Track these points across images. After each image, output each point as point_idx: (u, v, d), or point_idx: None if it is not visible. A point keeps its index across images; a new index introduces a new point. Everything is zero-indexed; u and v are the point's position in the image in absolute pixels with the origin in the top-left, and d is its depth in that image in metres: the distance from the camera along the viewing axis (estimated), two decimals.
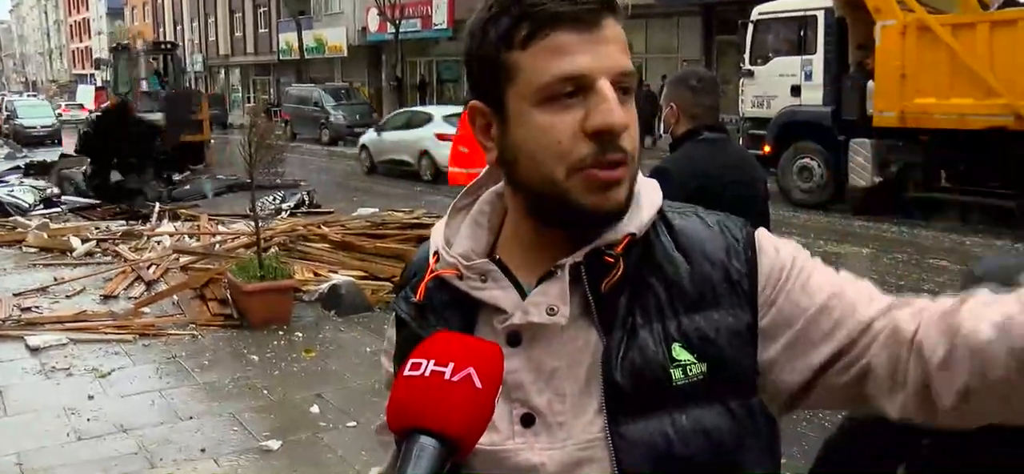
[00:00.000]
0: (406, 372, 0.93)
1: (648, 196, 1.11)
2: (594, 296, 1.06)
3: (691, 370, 1.04)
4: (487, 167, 1.19)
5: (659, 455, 1.02)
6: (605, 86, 1.00)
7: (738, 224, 1.13)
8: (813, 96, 14.15)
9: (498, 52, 1.05)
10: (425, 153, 19.15)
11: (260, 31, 51.21)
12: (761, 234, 1.13)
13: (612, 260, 1.05)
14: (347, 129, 29.87)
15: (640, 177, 1.11)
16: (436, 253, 1.15)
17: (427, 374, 0.92)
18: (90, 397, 6.00)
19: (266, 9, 50.07)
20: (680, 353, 1.04)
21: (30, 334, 7.36)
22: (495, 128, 1.09)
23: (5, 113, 38.97)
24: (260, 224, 8.77)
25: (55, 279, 9.45)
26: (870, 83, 13.05)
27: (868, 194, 13.22)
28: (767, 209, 3.74)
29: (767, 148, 14.27)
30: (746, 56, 15.30)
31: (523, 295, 1.08)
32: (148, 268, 9.45)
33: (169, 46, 28.91)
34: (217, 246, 10.37)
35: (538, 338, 1.05)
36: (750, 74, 15.18)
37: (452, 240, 1.16)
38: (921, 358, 0.98)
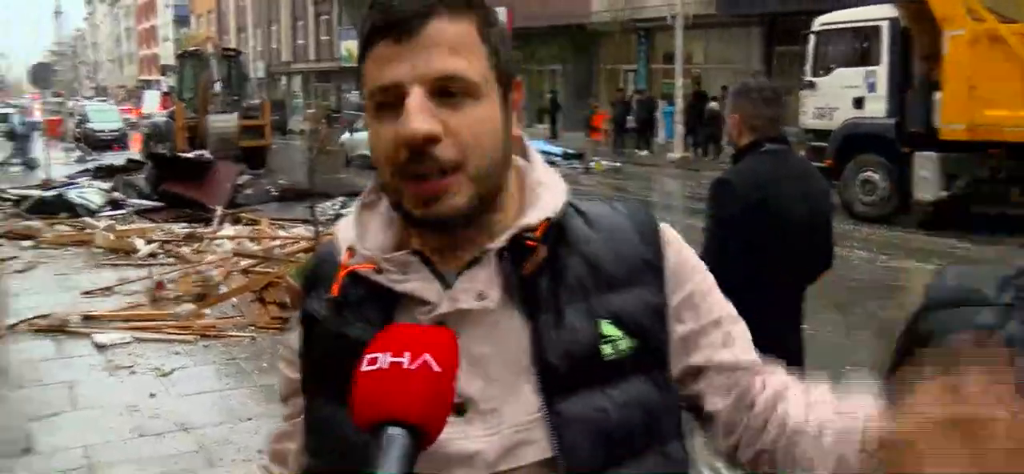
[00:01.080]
0: (364, 368, 0.94)
1: (554, 183, 1.15)
2: (517, 280, 1.08)
3: (620, 345, 1.08)
4: None
5: (597, 428, 1.06)
6: (414, 95, 1.01)
7: (645, 211, 1.19)
8: (876, 108, 13.89)
9: (360, 60, 1.09)
10: None
11: (322, 38, 51.93)
12: (665, 227, 1.19)
13: (534, 244, 1.08)
14: None
15: (541, 169, 1.16)
16: (349, 249, 1.14)
17: (386, 366, 0.93)
18: (152, 395, 6.13)
19: (328, 17, 50.78)
20: (608, 329, 1.08)
21: (97, 331, 7.54)
22: None
23: (77, 117, 40.05)
24: (319, 229, 8.87)
25: (120, 279, 9.67)
26: (936, 94, 12.76)
27: (934, 208, 12.93)
28: (830, 221, 3.67)
29: (829, 161, 14.04)
30: (808, 67, 15.09)
31: (445, 285, 1.09)
32: (211, 270, 9.61)
33: (233, 53, 29.44)
34: (277, 250, 10.51)
35: (465, 326, 1.06)
36: (812, 86, 14.96)
37: (363, 236, 1.16)
38: (747, 422, 1.15)
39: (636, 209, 1.19)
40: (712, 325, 1.16)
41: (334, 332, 1.13)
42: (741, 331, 1.20)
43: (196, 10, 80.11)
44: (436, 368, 0.93)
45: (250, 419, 5.69)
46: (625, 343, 1.08)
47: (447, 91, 1.02)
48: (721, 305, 1.19)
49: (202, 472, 4.94)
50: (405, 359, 0.93)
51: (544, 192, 1.12)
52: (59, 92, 40.32)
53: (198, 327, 7.73)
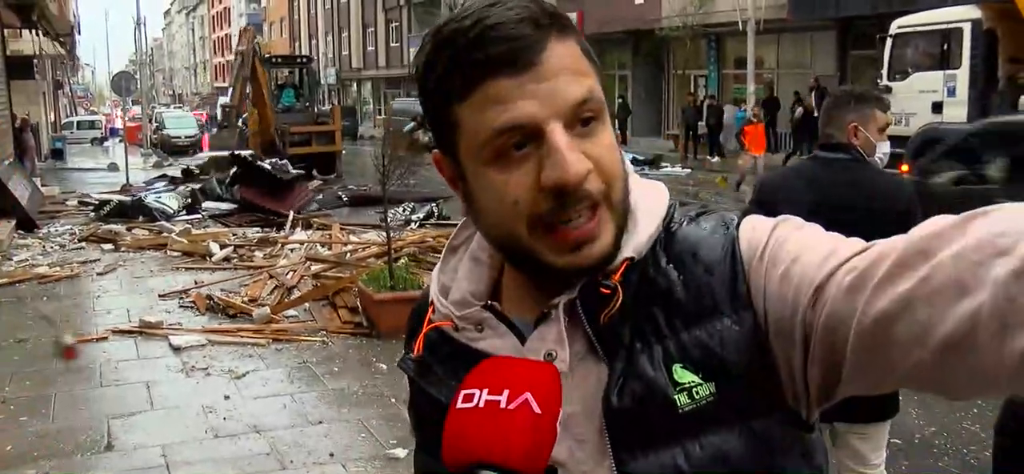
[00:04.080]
0: (459, 405, 0.88)
1: (647, 210, 1.01)
2: (594, 331, 0.96)
3: (698, 392, 0.92)
4: None
5: None
6: (555, 133, 0.89)
7: (726, 219, 1.01)
8: (956, 113, 13.52)
9: (441, 104, 0.96)
10: None
11: (392, 45, 52.51)
12: (743, 225, 0.99)
13: (609, 291, 0.96)
14: None
15: (639, 186, 1.02)
16: (432, 302, 1.08)
17: (481, 405, 0.87)
18: (226, 397, 6.23)
19: (398, 24, 51.33)
20: (682, 375, 0.93)
21: (174, 333, 7.71)
22: (459, 180, 1.01)
23: (154, 124, 41.21)
24: (391, 234, 8.94)
25: (195, 282, 9.88)
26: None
27: None
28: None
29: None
30: (884, 72, 14.76)
31: (523, 340, 1.00)
32: (286, 274, 9.76)
33: (304, 59, 29.93)
34: (348, 255, 10.63)
35: None
36: (888, 90, 14.61)
37: (449, 284, 1.08)
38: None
39: (720, 220, 1.02)
40: (809, 244, 0.93)
41: (424, 391, 1.07)
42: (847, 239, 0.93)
43: (269, 18, 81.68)
44: (537, 409, 0.86)
45: (321, 423, 5.75)
46: (703, 390, 0.92)
47: (583, 117, 0.92)
48: (812, 235, 0.96)
49: None
50: (503, 398, 0.86)
51: (632, 227, 0.99)
52: (137, 100, 41.55)
53: (270, 330, 7.85)
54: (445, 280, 1.09)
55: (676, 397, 0.92)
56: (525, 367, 0.91)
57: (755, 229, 0.98)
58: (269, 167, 16.44)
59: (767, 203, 3.24)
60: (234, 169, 16.45)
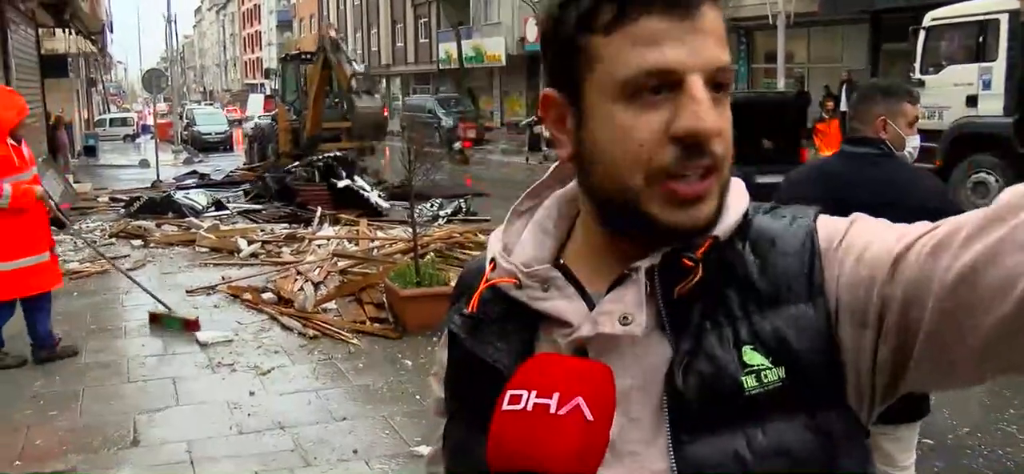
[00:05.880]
0: (505, 406, 0.85)
1: (735, 196, 1.00)
2: (666, 304, 0.93)
3: (767, 377, 0.90)
4: (553, 167, 1.09)
5: None
6: (696, 84, 0.89)
7: (809, 214, 1.00)
8: (992, 107, 13.26)
9: (577, 36, 0.94)
10: None
11: (421, 41, 52.57)
12: (821, 220, 0.99)
13: (691, 264, 0.93)
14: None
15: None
16: (493, 260, 1.05)
17: (529, 408, 0.83)
18: (251, 393, 6.24)
19: (427, 20, 51.38)
20: (752, 357, 0.91)
21: (200, 329, 7.74)
22: (570, 121, 0.98)
23: (185, 120, 41.61)
24: (417, 231, 8.92)
25: (222, 278, 9.93)
26: None
27: None
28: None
29: (937, 162, 13.47)
30: (917, 65, 14.52)
31: (591, 306, 0.96)
32: (313, 270, 9.77)
33: None
34: (375, 251, 10.63)
35: (608, 354, 0.92)
36: (921, 84, 14.37)
37: (512, 246, 1.06)
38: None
39: (800, 212, 1.01)
40: (884, 229, 0.94)
41: (470, 353, 1.04)
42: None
43: (298, 15, 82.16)
44: (589, 416, 0.82)
45: (345, 419, 5.74)
46: (772, 374, 0.90)
47: (717, 83, 0.92)
48: (886, 223, 0.96)
49: (298, 471, 4.99)
50: (553, 401, 0.83)
51: (723, 209, 0.98)
52: (168, 97, 42.01)
53: (317, 321, 7.88)
54: (508, 241, 1.07)
55: (743, 379, 0.90)
56: (577, 368, 0.87)
57: (832, 222, 0.98)
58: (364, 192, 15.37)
59: (784, 200, 3.18)
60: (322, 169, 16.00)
